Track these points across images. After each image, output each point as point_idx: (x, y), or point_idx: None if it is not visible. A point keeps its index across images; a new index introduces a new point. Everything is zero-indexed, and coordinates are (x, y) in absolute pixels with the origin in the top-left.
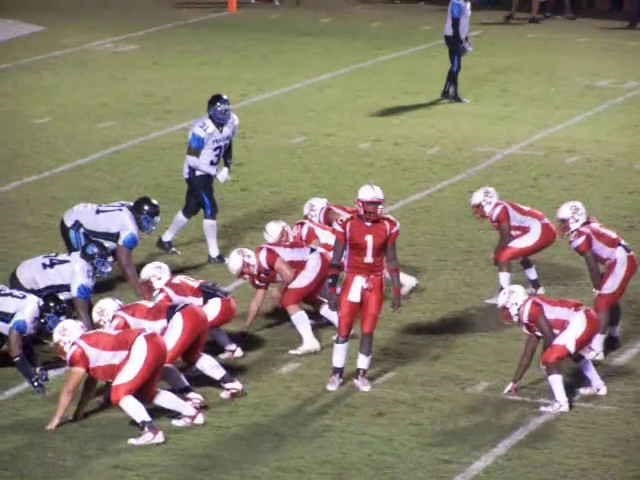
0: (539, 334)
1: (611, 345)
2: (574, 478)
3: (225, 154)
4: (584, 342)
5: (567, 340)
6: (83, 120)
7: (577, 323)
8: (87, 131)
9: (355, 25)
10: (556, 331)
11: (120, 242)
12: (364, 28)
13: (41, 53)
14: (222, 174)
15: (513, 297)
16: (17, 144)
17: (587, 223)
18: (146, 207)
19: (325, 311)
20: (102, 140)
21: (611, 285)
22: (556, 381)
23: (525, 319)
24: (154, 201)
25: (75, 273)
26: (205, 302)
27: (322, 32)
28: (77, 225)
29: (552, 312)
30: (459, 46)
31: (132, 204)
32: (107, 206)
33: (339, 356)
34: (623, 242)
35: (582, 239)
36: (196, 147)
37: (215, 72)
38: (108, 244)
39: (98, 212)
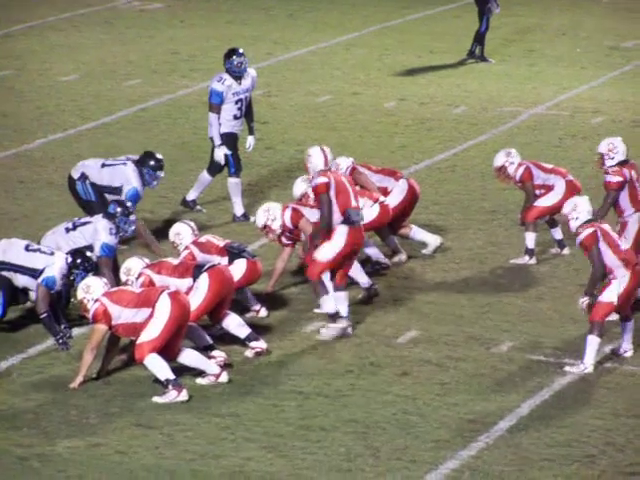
0: None
1: (636, 306)
2: (598, 438)
3: (247, 114)
4: (629, 295)
5: (612, 296)
6: (109, 78)
7: (620, 277)
8: (113, 89)
9: None
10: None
11: (123, 197)
12: None
13: (67, 11)
14: (248, 141)
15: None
16: (43, 102)
17: (626, 163)
18: (150, 161)
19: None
20: (128, 98)
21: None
22: (593, 342)
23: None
24: (159, 155)
25: (98, 232)
26: (230, 262)
27: None
28: (83, 177)
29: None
30: (487, 6)
31: (137, 157)
32: (113, 160)
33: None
34: None
35: (617, 178)
36: (217, 103)
37: (242, 31)
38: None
39: (103, 166)
